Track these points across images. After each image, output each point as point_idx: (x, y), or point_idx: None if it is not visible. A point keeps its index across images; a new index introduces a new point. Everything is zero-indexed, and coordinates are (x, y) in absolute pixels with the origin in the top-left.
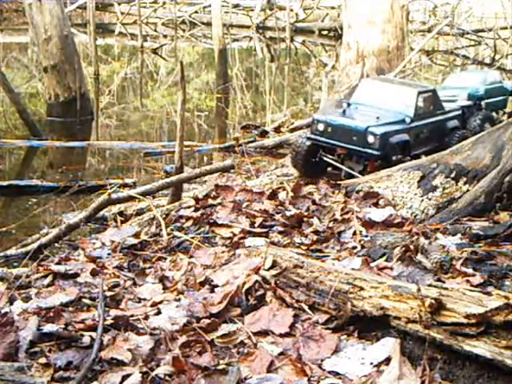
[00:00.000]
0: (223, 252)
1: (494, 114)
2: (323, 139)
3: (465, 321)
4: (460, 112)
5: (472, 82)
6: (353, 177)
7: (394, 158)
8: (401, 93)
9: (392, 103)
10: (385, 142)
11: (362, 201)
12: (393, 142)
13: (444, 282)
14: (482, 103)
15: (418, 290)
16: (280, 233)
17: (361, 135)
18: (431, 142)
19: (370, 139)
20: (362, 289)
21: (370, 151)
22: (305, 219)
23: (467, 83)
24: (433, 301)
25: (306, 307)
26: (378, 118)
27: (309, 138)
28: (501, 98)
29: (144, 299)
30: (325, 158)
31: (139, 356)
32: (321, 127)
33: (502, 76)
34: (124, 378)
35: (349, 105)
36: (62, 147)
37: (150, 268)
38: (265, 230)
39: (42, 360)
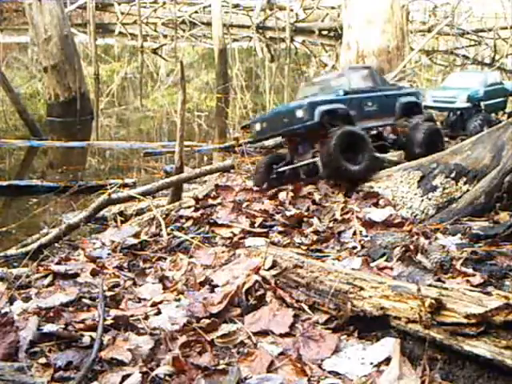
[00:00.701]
0: (223, 252)
1: (493, 115)
2: (262, 136)
3: (465, 321)
4: (417, 90)
5: (472, 83)
6: (314, 171)
7: (333, 127)
8: (335, 76)
9: (327, 87)
10: (312, 111)
11: (362, 201)
12: (323, 110)
13: (444, 282)
14: (482, 105)
15: (418, 290)
16: (280, 233)
17: (290, 115)
18: (384, 116)
19: (299, 113)
20: (362, 289)
21: (301, 125)
22: (305, 219)
23: (467, 84)
24: (433, 301)
25: (306, 307)
26: (306, 97)
27: (250, 142)
28: (500, 99)
29: (144, 299)
30: (280, 169)
31: (139, 356)
32: (258, 127)
33: (502, 76)
34: (124, 378)
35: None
36: (61, 147)
37: (149, 268)
38: (265, 230)
39: (42, 360)
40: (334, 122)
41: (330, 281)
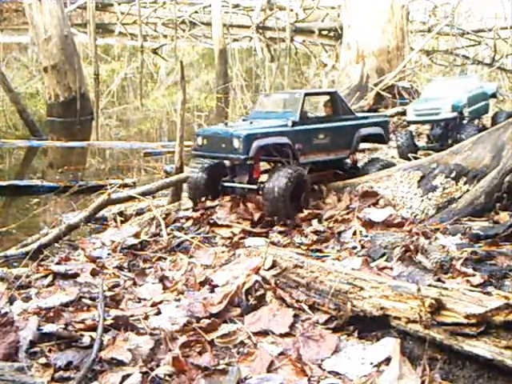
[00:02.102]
0: (223, 252)
1: (476, 121)
2: (201, 153)
3: (465, 321)
4: (385, 119)
5: (453, 91)
6: (244, 190)
7: (248, 154)
8: (289, 98)
9: (279, 111)
10: (249, 145)
11: (362, 200)
12: (260, 145)
13: (444, 282)
14: (466, 112)
15: (418, 290)
16: (280, 233)
17: (228, 141)
18: (337, 150)
19: (235, 143)
20: (362, 289)
21: (235, 156)
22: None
23: (448, 92)
24: (433, 301)
25: (306, 307)
26: (251, 123)
27: (194, 156)
28: (482, 103)
29: (144, 299)
30: (225, 184)
31: (139, 356)
32: (199, 141)
33: (481, 80)
34: (124, 378)
35: (226, 124)
36: (61, 147)
37: (150, 268)
38: (265, 230)
39: (42, 360)
40: (274, 155)
41: (330, 281)
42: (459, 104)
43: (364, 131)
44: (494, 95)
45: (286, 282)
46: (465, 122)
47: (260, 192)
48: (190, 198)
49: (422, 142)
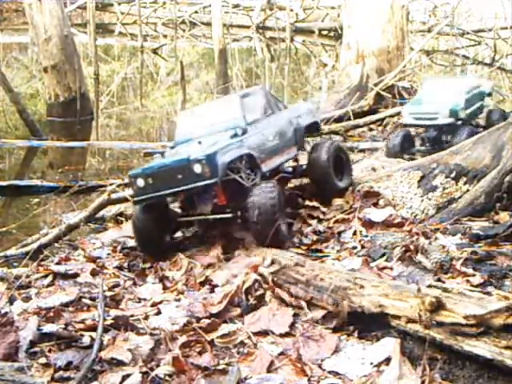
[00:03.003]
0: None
1: (473, 122)
2: (149, 196)
3: (464, 321)
4: (312, 106)
5: (451, 93)
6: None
7: (250, 181)
8: (224, 106)
9: (218, 123)
10: (214, 165)
11: (365, 200)
12: (226, 161)
13: (444, 282)
14: (463, 115)
15: (418, 290)
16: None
17: (185, 169)
18: (287, 149)
19: (197, 168)
20: (362, 286)
21: (202, 183)
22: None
23: (446, 95)
24: (433, 299)
25: (304, 304)
26: (199, 142)
27: (136, 203)
28: (479, 104)
29: (144, 299)
30: (183, 219)
31: (139, 356)
32: (141, 183)
33: (479, 79)
34: (124, 378)
35: (172, 147)
36: (61, 147)
37: (150, 268)
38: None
39: (42, 360)
40: (238, 172)
41: (330, 278)
42: (457, 108)
43: (303, 122)
44: (490, 94)
45: (286, 279)
46: (463, 127)
47: (239, 217)
48: (139, 245)
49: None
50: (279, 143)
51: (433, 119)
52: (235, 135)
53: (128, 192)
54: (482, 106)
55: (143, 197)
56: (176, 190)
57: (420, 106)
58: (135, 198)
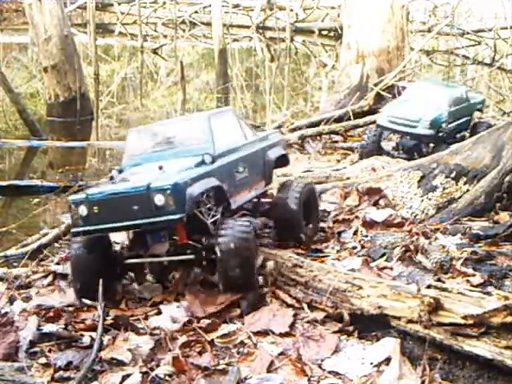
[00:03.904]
0: None
1: (457, 135)
2: (92, 228)
3: (462, 321)
4: (281, 137)
5: (435, 102)
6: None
7: (209, 217)
8: (189, 127)
9: (180, 146)
10: (181, 197)
11: (367, 197)
12: (196, 194)
13: (444, 282)
14: (445, 129)
15: (418, 290)
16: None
17: (143, 200)
18: (255, 183)
19: (159, 200)
20: (360, 288)
21: (164, 218)
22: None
23: (430, 102)
24: (431, 300)
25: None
26: (161, 167)
27: (75, 234)
28: (464, 118)
29: (144, 299)
30: (132, 261)
31: (139, 356)
32: (83, 211)
33: (468, 90)
34: (124, 378)
35: (120, 171)
36: (61, 147)
37: None
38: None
39: (42, 360)
40: (206, 205)
41: (329, 280)
42: (439, 120)
43: (273, 154)
44: (479, 109)
45: (285, 280)
46: (439, 144)
47: (203, 258)
48: (76, 290)
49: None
50: (248, 176)
51: (411, 127)
52: (202, 163)
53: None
54: (468, 121)
55: (85, 228)
56: (128, 224)
57: (401, 110)
58: (74, 229)
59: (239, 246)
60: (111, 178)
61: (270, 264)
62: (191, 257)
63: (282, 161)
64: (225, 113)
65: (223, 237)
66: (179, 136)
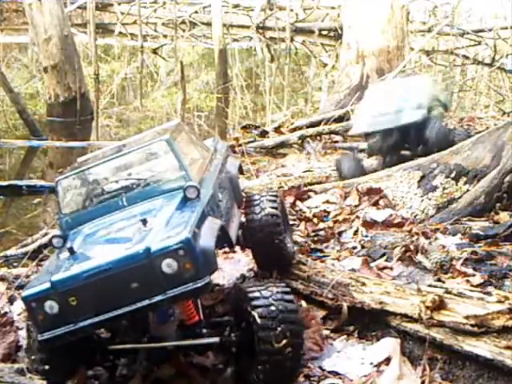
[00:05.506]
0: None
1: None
2: (72, 328)
3: (464, 321)
4: (226, 145)
5: (412, 89)
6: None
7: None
8: (146, 157)
9: (142, 181)
10: (200, 254)
11: (368, 197)
12: (213, 244)
13: (444, 282)
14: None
15: (418, 290)
16: None
17: (144, 271)
18: (233, 207)
19: (168, 266)
20: (364, 284)
21: (182, 290)
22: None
23: (407, 91)
24: (435, 297)
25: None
26: (144, 222)
27: (45, 342)
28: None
29: None
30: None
31: None
32: (53, 308)
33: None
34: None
35: (72, 251)
36: (61, 147)
37: None
38: None
39: None
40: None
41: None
42: (425, 102)
43: (232, 169)
44: (445, 105)
45: (287, 275)
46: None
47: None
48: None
49: None
50: (226, 203)
51: (398, 119)
52: (185, 199)
53: None
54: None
55: (61, 331)
56: (127, 310)
57: (376, 109)
58: (44, 336)
59: (289, 325)
60: (59, 249)
61: None
62: (215, 340)
63: (240, 172)
64: (176, 128)
65: (258, 309)
66: (136, 171)
